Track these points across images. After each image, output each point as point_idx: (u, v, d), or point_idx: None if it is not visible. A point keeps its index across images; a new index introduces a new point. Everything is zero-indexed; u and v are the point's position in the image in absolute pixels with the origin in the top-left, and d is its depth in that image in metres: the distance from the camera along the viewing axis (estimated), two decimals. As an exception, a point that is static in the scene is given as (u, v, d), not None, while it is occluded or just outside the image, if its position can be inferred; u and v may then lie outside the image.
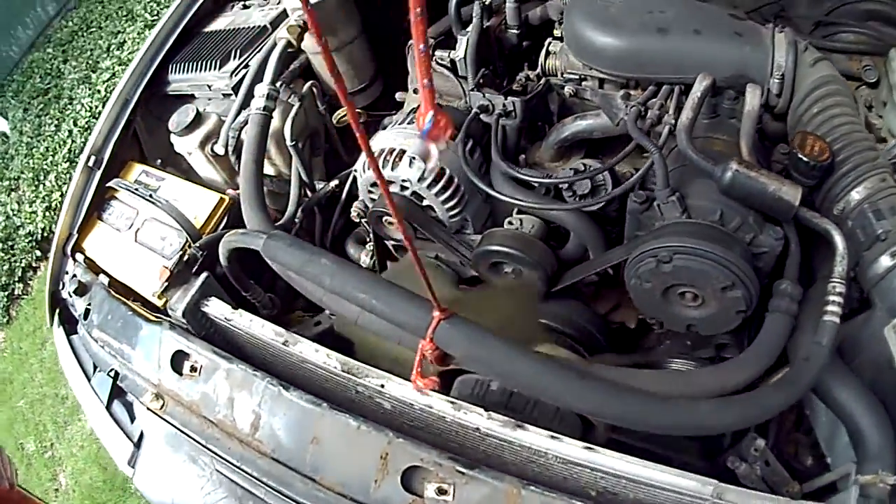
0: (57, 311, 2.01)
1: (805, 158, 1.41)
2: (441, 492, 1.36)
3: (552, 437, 1.34)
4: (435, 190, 1.77)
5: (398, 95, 2.07)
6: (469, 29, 1.86)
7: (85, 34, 6.56)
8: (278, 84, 1.97)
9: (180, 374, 1.65)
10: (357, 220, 1.98)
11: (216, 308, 1.71)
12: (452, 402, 1.40)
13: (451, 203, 1.81)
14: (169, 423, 1.66)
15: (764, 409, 1.27)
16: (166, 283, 1.73)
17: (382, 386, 1.47)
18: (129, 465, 1.72)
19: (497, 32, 1.94)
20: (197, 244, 1.80)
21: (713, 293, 1.43)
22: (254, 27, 2.20)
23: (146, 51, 2.19)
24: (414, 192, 1.80)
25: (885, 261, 1.34)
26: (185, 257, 1.76)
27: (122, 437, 1.74)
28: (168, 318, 1.75)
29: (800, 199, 1.37)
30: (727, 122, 1.62)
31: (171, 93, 2.16)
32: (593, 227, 1.74)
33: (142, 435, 1.73)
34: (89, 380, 1.84)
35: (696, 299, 1.49)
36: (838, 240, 1.36)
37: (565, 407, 1.33)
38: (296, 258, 1.48)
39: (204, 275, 1.75)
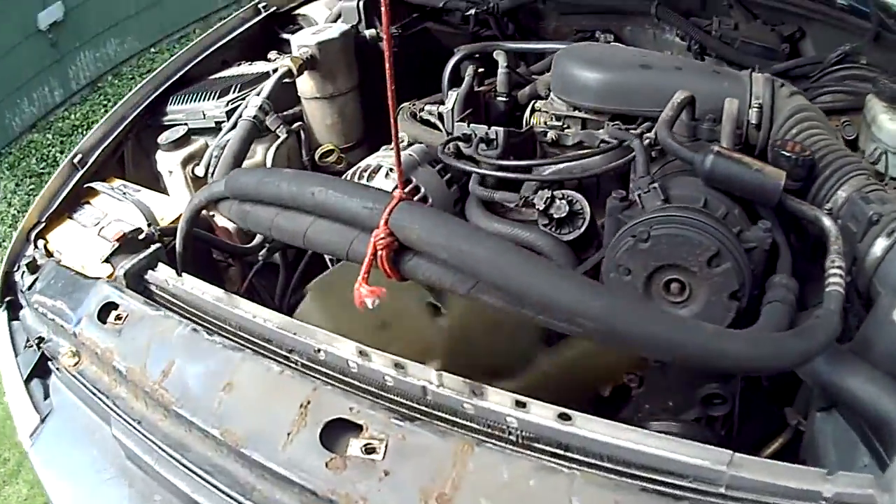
0: (7, 298, 1.86)
1: (787, 153, 1.41)
2: (368, 450, 1.13)
3: (518, 402, 1.12)
4: None
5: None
6: (461, 87, 1.96)
7: (84, 132, 6.58)
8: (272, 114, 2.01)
9: (104, 322, 1.50)
10: None
11: (162, 273, 1.59)
12: (398, 364, 1.22)
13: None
14: (78, 381, 1.52)
15: (779, 348, 1.07)
16: (116, 246, 1.63)
17: (318, 351, 1.29)
18: (29, 437, 1.55)
19: (486, 98, 2.05)
20: (157, 227, 1.73)
21: (700, 275, 1.31)
22: (260, 72, 2.29)
23: (153, 78, 2.26)
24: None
25: (881, 242, 1.28)
26: (143, 235, 1.69)
27: (32, 411, 1.59)
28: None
29: (784, 183, 1.34)
30: (706, 146, 1.58)
31: (166, 123, 2.20)
32: (569, 253, 1.67)
33: (51, 411, 1.58)
34: (17, 355, 1.70)
35: (683, 291, 1.36)
36: (828, 223, 1.30)
37: (542, 303, 1.10)
38: (255, 177, 1.41)
39: (156, 245, 1.65)
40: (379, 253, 1.14)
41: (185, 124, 2.12)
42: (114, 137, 2.09)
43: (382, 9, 1.05)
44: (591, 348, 1.58)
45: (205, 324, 1.46)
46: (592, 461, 1.06)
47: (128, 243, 1.66)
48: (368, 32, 2.29)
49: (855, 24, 2.00)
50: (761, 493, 0.95)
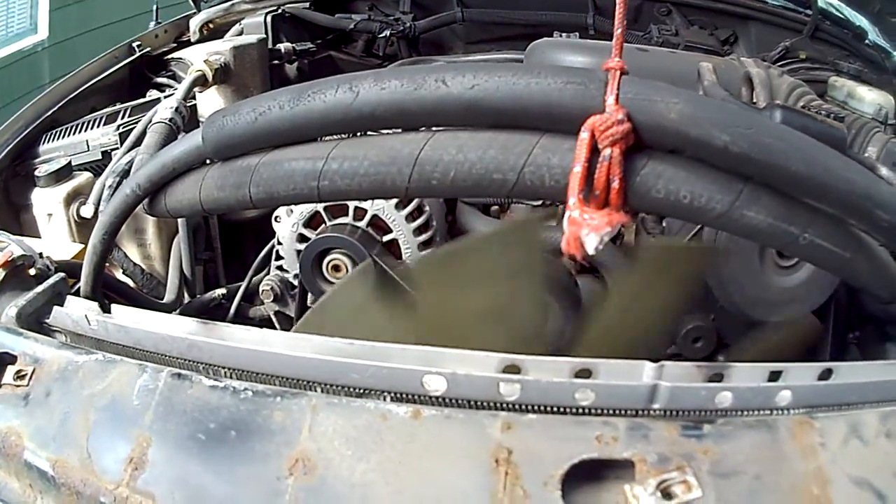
0: None
1: (823, 112, 1.35)
2: (666, 494, 0.63)
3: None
4: (404, 213, 1.32)
5: None
6: None
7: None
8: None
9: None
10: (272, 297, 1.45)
11: (75, 309, 0.92)
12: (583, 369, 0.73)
13: (425, 236, 1.35)
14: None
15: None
16: (2, 275, 0.95)
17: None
18: None
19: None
20: (51, 258, 1.07)
21: None
22: (149, 99, 1.81)
23: (11, 122, 1.69)
24: (373, 224, 1.34)
25: None
26: (34, 271, 1.02)
27: None
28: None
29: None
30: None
31: (39, 164, 1.62)
32: None
33: None
34: None
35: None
36: (886, 171, 1.24)
37: (845, 194, 0.76)
38: (284, 96, 0.82)
39: (59, 275, 0.99)
40: (607, 153, 0.69)
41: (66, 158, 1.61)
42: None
43: None
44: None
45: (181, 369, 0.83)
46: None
47: (16, 274, 0.98)
48: (284, 46, 1.95)
49: (793, 21, 2.09)
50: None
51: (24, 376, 0.80)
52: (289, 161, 0.83)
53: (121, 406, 0.76)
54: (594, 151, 0.69)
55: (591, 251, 0.68)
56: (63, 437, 0.75)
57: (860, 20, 2.11)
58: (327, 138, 0.85)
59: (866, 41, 2.06)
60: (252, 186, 0.86)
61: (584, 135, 0.69)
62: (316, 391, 0.77)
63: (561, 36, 2.02)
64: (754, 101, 1.42)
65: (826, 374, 0.75)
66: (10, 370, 0.80)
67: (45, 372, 0.81)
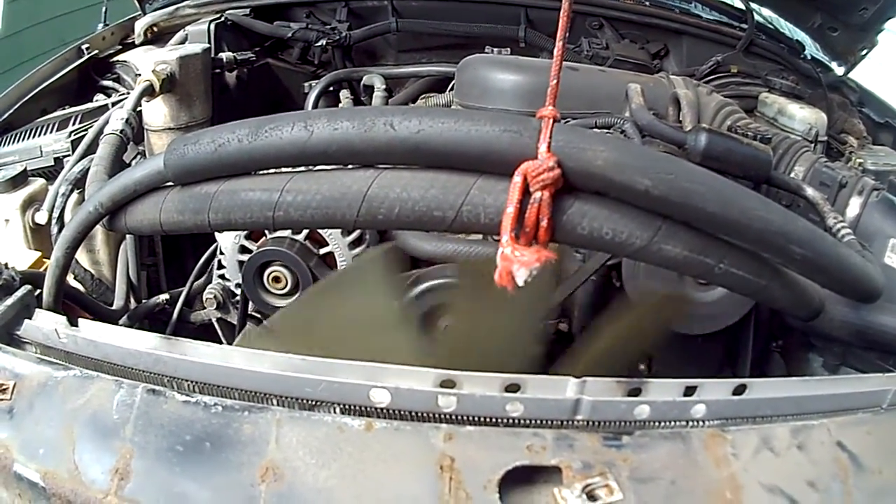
0: None
1: (749, 133, 1.45)
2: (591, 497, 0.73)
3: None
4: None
5: None
6: None
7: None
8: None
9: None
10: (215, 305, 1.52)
11: (44, 322, 0.97)
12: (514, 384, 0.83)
13: (359, 249, 1.43)
14: None
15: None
16: None
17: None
18: None
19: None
20: (16, 268, 1.10)
21: None
22: (98, 105, 1.84)
23: None
24: (311, 237, 1.42)
25: (855, 200, 1.44)
26: (1, 282, 1.05)
27: None
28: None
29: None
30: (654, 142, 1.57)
31: None
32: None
33: None
34: None
35: None
36: (811, 191, 1.37)
37: (760, 231, 0.87)
38: (243, 129, 0.88)
39: (26, 287, 1.03)
40: (538, 196, 0.78)
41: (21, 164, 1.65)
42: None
43: None
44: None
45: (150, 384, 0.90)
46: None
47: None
48: (225, 55, 1.98)
49: (728, 35, 2.16)
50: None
51: (5, 390, 0.85)
52: (246, 191, 0.90)
53: (102, 420, 0.82)
54: (526, 193, 0.78)
55: (520, 283, 0.77)
56: (51, 449, 0.81)
57: (799, 35, 2.19)
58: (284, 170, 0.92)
59: (802, 55, 2.14)
60: (211, 213, 0.92)
61: (518, 178, 0.78)
62: (273, 403, 0.84)
63: (493, 50, 2.10)
64: (681, 121, 1.52)
65: (741, 389, 0.85)
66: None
67: (26, 386, 0.86)
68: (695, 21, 2.20)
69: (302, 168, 0.91)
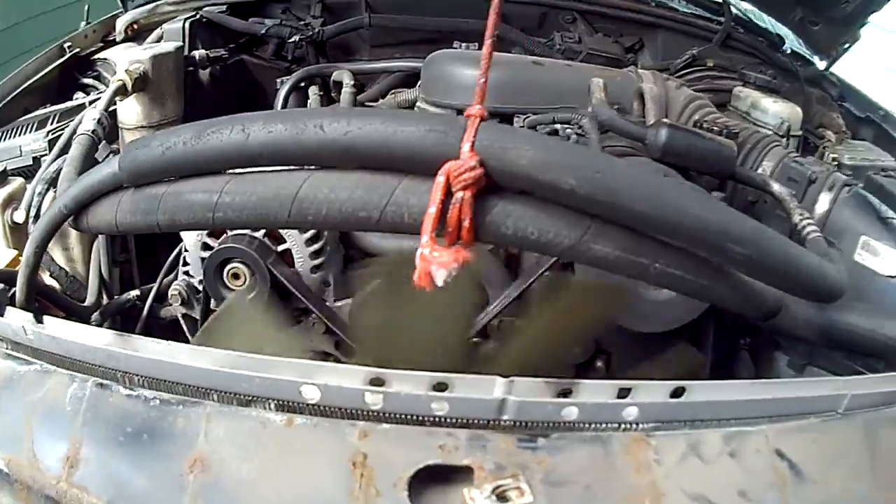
0: None
1: (715, 128, 1.44)
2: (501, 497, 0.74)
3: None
4: None
5: None
6: None
7: None
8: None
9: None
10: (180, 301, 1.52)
11: (12, 320, 1.00)
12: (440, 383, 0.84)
13: (316, 246, 1.41)
14: None
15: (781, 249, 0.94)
16: None
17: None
18: None
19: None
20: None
21: None
22: (77, 104, 1.85)
23: None
24: (269, 234, 1.41)
25: (824, 196, 1.41)
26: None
27: None
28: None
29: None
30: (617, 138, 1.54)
31: None
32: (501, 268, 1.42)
33: None
34: None
35: None
36: (777, 187, 1.35)
37: (694, 230, 0.86)
38: (187, 132, 0.90)
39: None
40: (459, 196, 0.79)
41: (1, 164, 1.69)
42: None
43: None
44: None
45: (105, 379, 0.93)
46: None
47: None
48: (198, 53, 1.98)
49: (705, 29, 2.14)
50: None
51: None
52: (189, 192, 0.92)
53: (56, 412, 0.88)
54: (448, 193, 0.80)
55: (439, 284, 0.78)
56: (13, 439, 0.87)
57: (781, 29, 2.17)
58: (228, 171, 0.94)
59: (781, 49, 2.12)
60: (159, 213, 0.95)
61: (440, 178, 0.79)
62: (213, 398, 0.87)
63: (461, 45, 2.06)
64: (644, 116, 1.52)
65: (679, 392, 0.84)
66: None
67: (-10, 378, 0.91)
68: (671, 14, 2.18)
69: (246, 169, 0.93)
